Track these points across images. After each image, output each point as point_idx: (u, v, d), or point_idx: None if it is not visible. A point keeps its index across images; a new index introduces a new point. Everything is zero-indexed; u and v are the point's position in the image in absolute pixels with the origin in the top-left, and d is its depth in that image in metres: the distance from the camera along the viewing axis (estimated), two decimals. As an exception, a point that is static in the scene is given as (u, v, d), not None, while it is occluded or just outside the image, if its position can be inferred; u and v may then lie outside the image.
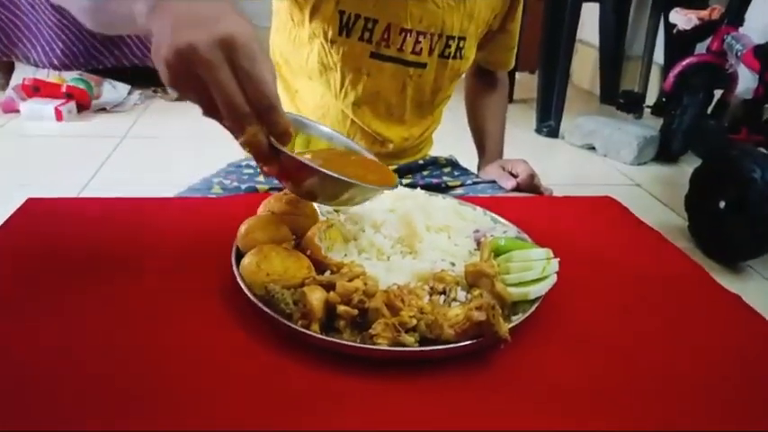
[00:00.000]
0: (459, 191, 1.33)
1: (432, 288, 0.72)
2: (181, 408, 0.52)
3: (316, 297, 0.65)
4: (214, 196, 1.16)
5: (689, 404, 0.62)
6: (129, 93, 3.51)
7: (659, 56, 3.78)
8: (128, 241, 0.85)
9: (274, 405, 0.58)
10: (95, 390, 0.53)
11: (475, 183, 1.38)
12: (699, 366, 0.68)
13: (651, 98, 3.47)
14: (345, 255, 0.79)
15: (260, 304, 0.67)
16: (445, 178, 1.39)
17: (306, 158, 0.71)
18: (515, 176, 1.34)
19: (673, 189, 2.65)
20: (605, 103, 4.07)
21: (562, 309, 0.76)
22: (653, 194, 2.65)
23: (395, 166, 1.34)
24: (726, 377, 0.67)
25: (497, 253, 0.79)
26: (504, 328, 0.64)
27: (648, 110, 3.29)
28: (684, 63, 2.86)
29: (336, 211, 0.95)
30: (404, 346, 0.63)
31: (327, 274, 0.76)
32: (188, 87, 0.55)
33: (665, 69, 3.37)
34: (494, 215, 0.94)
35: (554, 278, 0.75)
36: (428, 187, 1.26)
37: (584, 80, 4.62)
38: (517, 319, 0.69)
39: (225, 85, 0.54)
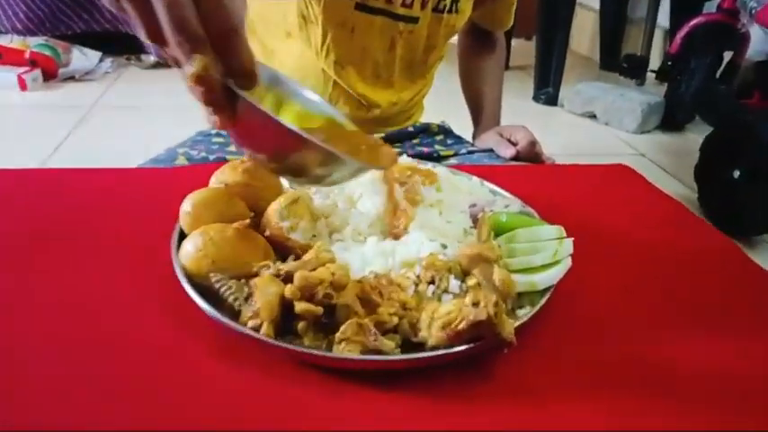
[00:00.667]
0: (453, 160, 1.21)
1: (418, 277, 0.58)
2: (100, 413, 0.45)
3: (269, 291, 0.52)
4: (181, 166, 1.05)
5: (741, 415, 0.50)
6: (101, 60, 3.32)
7: (663, 19, 3.62)
8: (68, 218, 0.74)
9: (210, 422, 0.45)
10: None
11: (470, 152, 1.28)
12: (752, 367, 0.56)
13: (654, 63, 3.32)
14: (314, 236, 0.65)
15: (198, 300, 0.53)
16: (437, 147, 1.28)
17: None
18: (514, 144, 1.23)
19: (679, 158, 2.53)
20: (605, 70, 3.92)
21: (576, 300, 0.63)
22: (658, 164, 2.52)
23: (381, 134, 1.23)
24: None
25: (498, 232, 0.66)
26: (509, 327, 0.51)
27: (652, 75, 3.14)
28: (692, 23, 2.70)
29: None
30: (381, 353, 0.50)
31: (291, 260, 0.62)
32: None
33: (671, 31, 3.22)
34: (493, 186, 0.80)
35: (568, 263, 0.61)
36: (418, 157, 1.15)
37: (582, 45, 4.45)
38: (524, 314, 0.56)
39: None
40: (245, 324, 0.53)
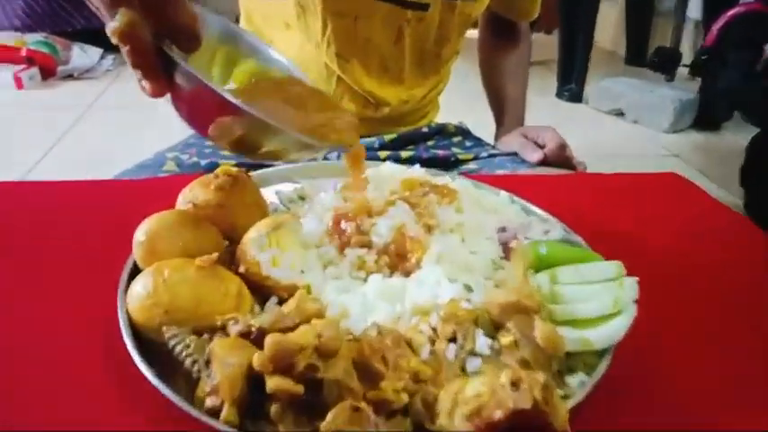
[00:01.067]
0: (472, 165, 1.08)
1: (434, 331, 0.45)
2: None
3: (231, 361, 0.38)
4: (165, 176, 0.93)
5: None
6: (102, 57, 3.23)
7: (692, 11, 3.44)
8: (23, 238, 0.63)
9: None
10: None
11: (491, 155, 1.13)
12: None
13: (684, 58, 3.14)
14: (302, 272, 0.52)
15: (142, 367, 0.40)
16: (455, 150, 1.13)
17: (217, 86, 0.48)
18: (541, 147, 1.10)
19: (717, 160, 2.36)
20: (632, 65, 3.75)
21: (642, 361, 0.49)
22: (695, 167, 2.35)
23: (393, 135, 1.09)
24: None
25: (537, 267, 0.52)
26: (563, 413, 0.37)
27: (682, 71, 2.97)
28: (730, 14, 2.52)
29: (302, 198, 0.68)
30: (384, 453, 0.36)
31: (272, 304, 0.49)
32: None
33: (705, 23, 3.04)
34: (525, 202, 0.66)
35: (632, 312, 0.47)
36: (434, 162, 1.02)
37: (607, 39, 4.27)
38: (577, 383, 0.43)
39: None
40: (201, 401, 0.40)
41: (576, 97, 3.10)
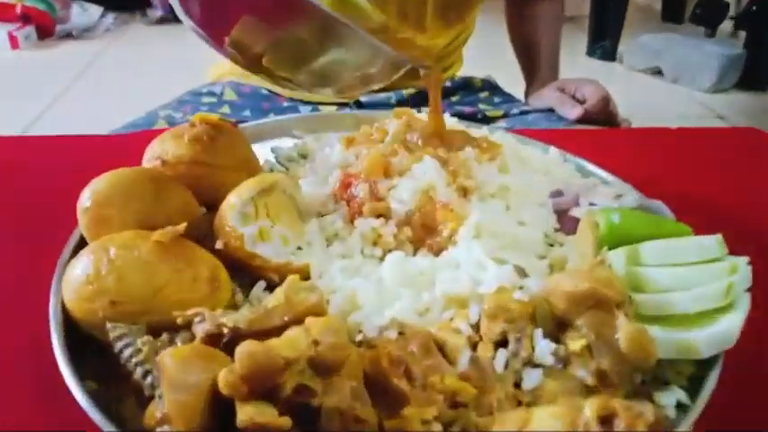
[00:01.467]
0: (502, 123, 0.96)
1: (476, 330, 0.33)
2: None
3: (186, 383, 0.27)
4: (139, 131, 0.85)
5: None
6: (102, 16, 3.09)
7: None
8: None
9: None
10: None
11: (523, 112, 1.01)
12: None
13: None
14: (299, 248, 0.40)
15: (72, 384, 0.29)
16: (482, 106, 1.02)
17: None
18: (581, 102, 0.98)
19: (765, 122, 2.18)
20: (669, 21, 3.52)
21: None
22: (741, 129, 2.18)
23: (412, 90, 0.96)
24: None
25: (610, 241, 0.39)
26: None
27: (724, 28, 2.77)
28: (784, -41, 2.32)
29: (303, 156, 0.56)
30: None
31: (258, 291, 0.38)
32: None
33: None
34: (580, 160, 0.53)
35: (746, 305, 0.35)
36: (459, 118, 0.91)
37: (640, -6, 4.03)
38: (674, 409, 0.31)
39: None
40: (152, 429, 0.29)
41: (610, 55, 2.91)
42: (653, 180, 0.52)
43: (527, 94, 1.19)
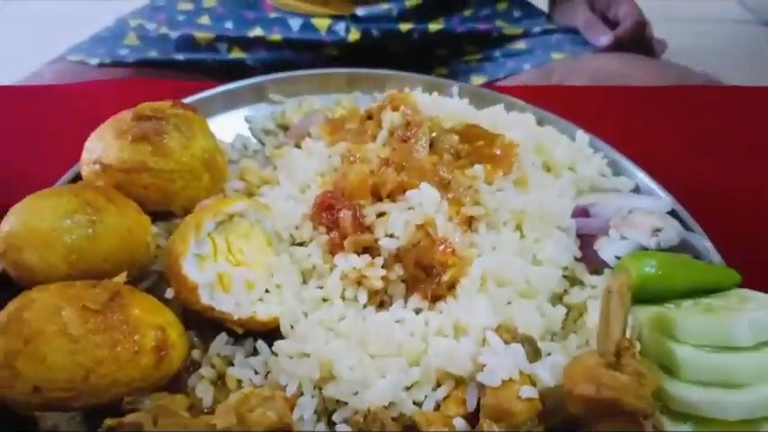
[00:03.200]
0: (521, 44, 0.89)
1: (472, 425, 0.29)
2: None
3: None
4: (123, 53, 0.77)
5: None
6: None
7: None
8: None
9: None
10: None
11: (546, 31, 0.91)
12: None
13: None
14: (268, 291, 0.35)
15: None
16: (499, 23, 0.91)
17: None
18: (613, 24, 0.87)
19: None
20: None
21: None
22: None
23: (416, 1, 0.86)
24: None
25: (641, 295, 0.33)
26: None
27: None
28: None
29: (283, 128, 0.49)
30: None
31: (220, 344, 0.33)
32: None
33: None
34: (617, 153, 0.47)
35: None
36: (472, 38, 0.85)
37: None
38: None
39: None
40: None
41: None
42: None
43: (551, 7, 1.07)
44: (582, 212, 0.41)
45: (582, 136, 0.48)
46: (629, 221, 0.38)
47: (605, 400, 0.28)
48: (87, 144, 0.40)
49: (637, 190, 0.46)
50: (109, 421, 0.27)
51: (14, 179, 0.43)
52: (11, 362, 0.29)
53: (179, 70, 0.78)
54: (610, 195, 0.43)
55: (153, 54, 0.79)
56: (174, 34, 0.79)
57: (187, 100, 0.46)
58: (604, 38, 0.85)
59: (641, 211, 0.39)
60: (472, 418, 0.30)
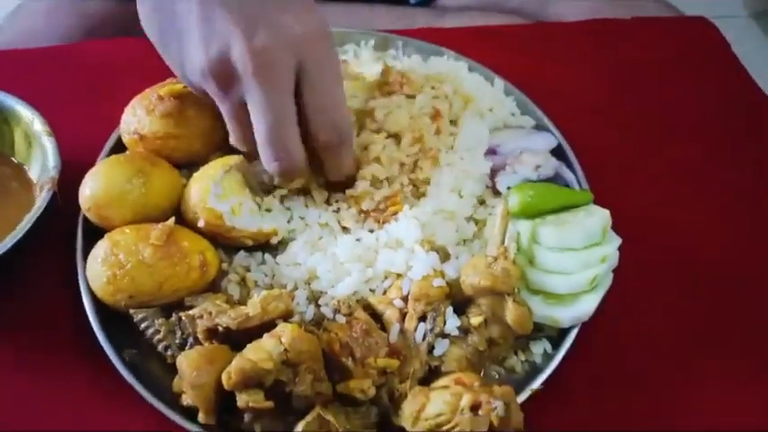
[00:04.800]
0: None
1: (406, 303, 0.48)
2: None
3: (199, 382, 0.42)
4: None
5: None
6: None
7: None
8: None
9: None
10: None
11: None
12: None
13: None
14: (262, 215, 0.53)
15: (116, 363, 0.45)
16: None
17: None
18: None
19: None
20: None
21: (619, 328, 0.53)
22: None
23: None
24: None
25: (523, 210, 0.51)
26: (518, 418, 0.43)
27: None
28: None
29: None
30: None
31: (241, 258, 0.51)
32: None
33: None
34: (520, 93, 0.62)
35: (606, 285, 0.49)
36: None
37: None
38: (542, 356, 0.48)
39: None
40: (179, 395, 0.45)
41: None
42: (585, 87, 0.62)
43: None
44: (491, 151, 0.57)
45: (498, 81, 0.64)
46: (519, 160, 0.55)
47: (484, 287, 0.47)
48: (124, 117, 0.54)
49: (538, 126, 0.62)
50: (181, 314, 0.46)
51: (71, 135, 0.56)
52: (112, 281, 0.46)
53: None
54: (513, 132, 0.60)
55: None
56: None
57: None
58: None
59: (529, 152, 0.56)
60: (405, 299, 0.49)
